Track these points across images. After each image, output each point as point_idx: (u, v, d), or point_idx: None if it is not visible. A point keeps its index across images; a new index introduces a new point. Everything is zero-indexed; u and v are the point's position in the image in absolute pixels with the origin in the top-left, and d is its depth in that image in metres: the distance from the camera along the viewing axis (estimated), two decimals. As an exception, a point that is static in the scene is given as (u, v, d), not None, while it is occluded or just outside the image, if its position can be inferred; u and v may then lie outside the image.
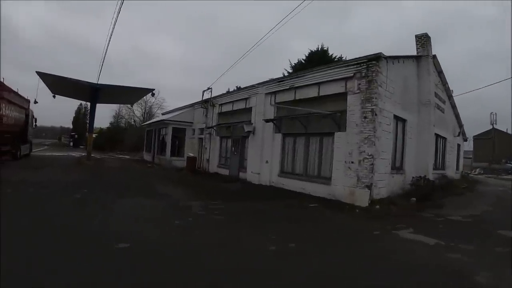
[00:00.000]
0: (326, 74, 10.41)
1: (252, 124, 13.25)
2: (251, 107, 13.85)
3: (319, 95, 10.64)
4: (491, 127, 41.92)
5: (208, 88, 18.31)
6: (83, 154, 20.84)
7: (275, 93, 12.46)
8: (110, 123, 47.31)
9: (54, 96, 21.59)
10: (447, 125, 16.13)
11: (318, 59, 21.60)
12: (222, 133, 16.61)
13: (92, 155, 24.95)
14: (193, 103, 21.27)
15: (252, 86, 13.83)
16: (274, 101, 12.42)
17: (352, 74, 9.59)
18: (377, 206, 8.58)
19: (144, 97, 44.64)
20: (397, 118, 10.46)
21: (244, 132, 13.58)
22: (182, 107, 24.11)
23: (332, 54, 24.39)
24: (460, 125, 19.12)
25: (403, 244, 5.12)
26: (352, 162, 9.22)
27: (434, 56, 12.46)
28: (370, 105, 9.10)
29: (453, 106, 17.17)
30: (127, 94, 21.07)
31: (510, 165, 36.07)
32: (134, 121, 47.14)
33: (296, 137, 11.59)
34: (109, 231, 4.83)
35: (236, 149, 14.97)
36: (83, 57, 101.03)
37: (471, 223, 7.09)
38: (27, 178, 9.90)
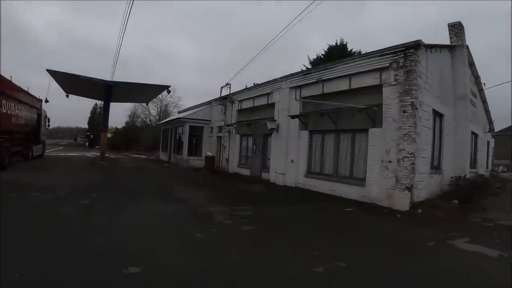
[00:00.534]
0: (358, 65, 9.76)
1: (275, 121, 12.70)
2: (274, 103, 13.32)
3: (350, 88, 10.00)
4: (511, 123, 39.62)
5: (227, 84, 17.90)
6: (98, 154, 20.72)
7: (300, 87, 11.86)
8: (126, 123, 48.04)
9: (67, 96, 21.74)
10: (479, 120, 15.34)
11: (338, 54, 20.87)
12: (243, 131, 16.17)
13: (106, 155, 25.09)
14: (210, 100, 21.00)
15: (275, 80, 13.27)
16: (300, 95, 11.83)
17: (387, 64, 8.92)
18: (419, 210, 7.94)
19: (160, 96, 44.91)
20: (435, 112, 9.78)
21: (266, 129, 13.05)
22: (199, 104, 23.94)
23: (351, 49, 23.89)
24: (490, 121, 18.30)
25: (466, 258, 4.52)
26: (390, 161, 8.57)
27: (467, 47, 11.61)
28: (409, 98, 8.44)
29: (484, 101, 16.30)
30: (142, 92, 20.91)
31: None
32: (150, 120, 47.63)
33: (325, 134, 10.97)
34: (117, 249, 4.10)
35: (258, 148, 14.47)
36: (99, 59, 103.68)
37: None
38: (35, 181, 9.55)
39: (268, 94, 13.84)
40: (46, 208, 6.21)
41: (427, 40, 8.89)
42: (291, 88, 12.26)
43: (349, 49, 23.89)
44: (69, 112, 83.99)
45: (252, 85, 16.38)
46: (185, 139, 20.21)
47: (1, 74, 11.93)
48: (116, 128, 45.68)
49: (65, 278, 3.13)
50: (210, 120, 20.42)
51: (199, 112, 21.19)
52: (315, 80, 11.02)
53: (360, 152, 9.75)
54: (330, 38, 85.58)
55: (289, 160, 11.97)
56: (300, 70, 15.99)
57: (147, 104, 39.84)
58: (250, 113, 15.78)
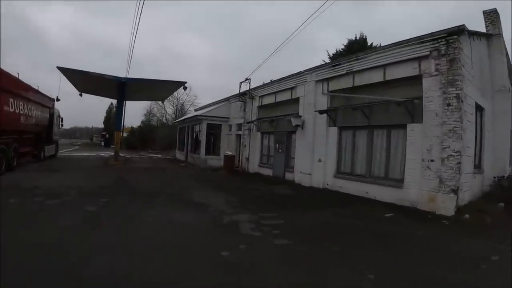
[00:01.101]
0: (393, 54, 9.13)
1: (300, 117, 12.16)
2: (298, 98, 12.81)
3: (384, 80, 9.35)
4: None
5: (246, 79, 17.50)
6: (112, 154, 20.61)
7: (327, 80, 11.30)
8: (142, 122, 48.65)
9: (80, 95, 21.84)
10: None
11: (358, 48, 20.19)
12: (264, 128, 15.73)
13: (121, 154, 25.13)
14: (228, 97, 20.70)
15: (299, 74, 12.74)
16: (327, 89, 11.27)
17: (427, 53, 8.29)
18: (467, 215, 7.24)
19: (176, 94, 45.43)
20: (476, 106, 9.11)
21: (290, 126, 12.55)
22: (216, 101, 23.76)
23: (371, 43, 23.34)
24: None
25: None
26: (432, 161, 7.94)
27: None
28: (454, 89, 7.79)
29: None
30: (157, 89, 20.70)
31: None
32: (166, 119, 48.03)
33: (356, 130, 10.37)
34: (123, 277, 3.33)
35: (281, 146, 13.98)
36: (113, 60, 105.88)
37: None
38: (42, 183, 9.23)
39: (291, 88, 13.32)
40: (45, 217, 5.59)
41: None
42: (317, 81, 11.71)
43: (370, 44, 23.37)
44: (86, 112, 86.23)
45: (269, 81, 15.79)
46: (203, 138, 19.94)
47: (8, 72, 11.72)
48: (132, 127, 46.22)
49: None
50: (228, 118, 20.11)
51: (216, 109, 20.91)
52: (344, 72, 10.42)
53: (396, 150, 9.11)
54: (343, 34, 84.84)
55: (316, 159, 11.43)
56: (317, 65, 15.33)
57: (162, 102, 39.98)
58: (271, 109, 15.31)
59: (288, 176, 13.14)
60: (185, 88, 19.03)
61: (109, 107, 53.64)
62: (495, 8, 10.53)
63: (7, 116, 11.55)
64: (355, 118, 10.15)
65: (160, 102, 43.61)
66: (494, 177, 9.93)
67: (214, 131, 20.33)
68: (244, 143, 17.39)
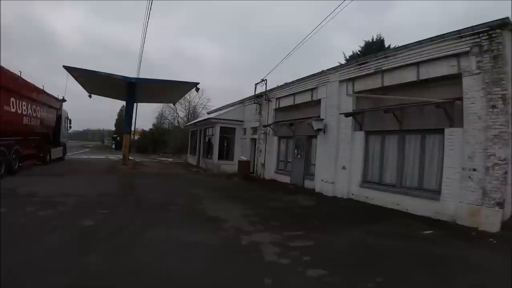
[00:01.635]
0: (428, 50, 8.46)
1: (322, 120, 11.56)
2: (320, 99, 12.25)
3: (418, 79, 8.69)
4: None
5: (262, 80, 17.09)
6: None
7: (353, 79, 10.71)
8: (153, 125, 49.05)
9: (90, 96, 21.79)
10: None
11: (376, 50, 19.71)
12: (281, 132, 15.22)
13: (130, 158, 24.94)
14: (243, 99, 20.34)
15: (321, 73, 12.17)
16: (353, 89, 10.68)
17: (467, 49, 7.65)
18: (516, 233, 6.49)
19: (188, 97, 45.61)
20: None
21: (311, 130, 12.00)
22: (230, 104, 23.46)
23: (389, 45, 23.04)
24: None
25: None
26: (475, 170, 7.26)
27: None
28: (499, 89, 7.15)
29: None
30: (168, 91, 20.48)
31: None
32: (178, 122, 48.31)
33: (385, 135, 9.73)
34: None
35: (300, 152, 13.43)
36: (124, 63, 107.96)
37: None
38: (40, 189, 8.88)
39: (312, 89, 12.78)
40: (30, 234, 4.94)
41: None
42: (341, 81, 11.12)
43: (386, 45, 23.12)
44: (99, 114, 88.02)
45: (285, 83, 15.29)
46: (216, 142, 19.60)
47: (9, 70, 11.46)
48: (143, 130, 46.56)
49: None
50: (243, 121, 19.72)
51: (230, 112, 20.57)
52: (372, 71, 9.82)
53: (432, 158, 8.45)
54: (357, 36, 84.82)
55: (339, 167, 10.82)
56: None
57: (174, 105, 40.05)
58: (290, 112, 14.80)
59: (308, 184, 12.56)
60: (197, 90, 18.60)
61: (120, 109, 54.19)
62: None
63: (8, 116, 11.34)
64: (385, 122, 9.51)
65: (171, 105, 43.91)
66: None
67: (227, 134, 20.01)
68: (260, 148, 16.90)
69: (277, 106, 15.71)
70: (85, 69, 15.49)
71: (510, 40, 7.61)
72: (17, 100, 11.98)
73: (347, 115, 10.30)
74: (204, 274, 3.95)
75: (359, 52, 23.69)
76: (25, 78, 12.82)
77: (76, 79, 17.62)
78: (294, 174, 13.67)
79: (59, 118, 18.37)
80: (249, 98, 18.85)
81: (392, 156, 9.46)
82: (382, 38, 24.12)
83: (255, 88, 17.73)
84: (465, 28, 7.72)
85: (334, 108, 11.21)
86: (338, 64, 17.93)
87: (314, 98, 12.68)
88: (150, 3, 29.02)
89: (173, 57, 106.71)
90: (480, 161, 7.13)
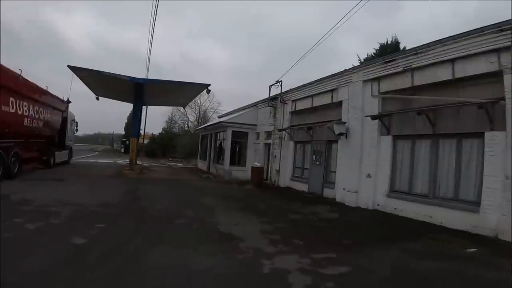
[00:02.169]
0: (464, 45, 7.81)
1: (344, 123, 10.95)
2: (341, 101, 11.66)
3: (453, 77, 8.03)
4: None
5: (277, 82, 16.63)
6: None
7: (378, 79, 10.14)
8: (163, 129, 49.43)
9: (97, 98, 21.72)
10: None
11: (392, 52, 19.21)
12: (298, 136, 14.70)
13: (139, 162, 24.73)
14: (256, 102, 19.96)
15: (342, 73, 11.59)
16: (378, 90, 10.07)
17: (509, 43, 7.02)
18: None
19: (198, 101, 45.69)
20: None
21: (332, 134, 11.43)
22: (242, 107, 23.11)
23: (405, 47, 22.32)
24: None
25: None
26: (521, 179, 6.51)
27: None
28: (547, 88, 6.40)
29: None
30: (177, 93, 20.20)
31: None
32: (188, 126, 48.45)
33: (416, 140, 9.10)
34: None
35: (319, 158, 12.87)
36: (136, 67, 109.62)
37: None
38: (36, 196, 8.38)
39: (332, 90, 12.22)
40: (9, 253, 4.25)
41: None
42: (365, 81, 10.55)
43: (401, 48, 22.40)
44: (109, 118, 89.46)
45: (300, 85, 14.77)
46: (227, 147, 19.17)
47: (9, 68, 11.16)
48: (153, 135, 46.78)
49: None
50: (256, 125, 19.27)
51: (243, 116, 20.16)
52: (401, 69, 9.20)
53: (470, 165, 7.79)
54: (363, 40, 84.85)
55: (363, 174, 10.20)
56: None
57: (184, 108, 39.93)
58: (307, 115, 14.28)
59: (327, 192, 11.97)
60: (208, 92, 18.19)
61: (130, 113, 54.48)
62: None
63: (7, 117, 11.07)
64: (415, 125, 8.90)
65: (181, 109, 44.00)
66: None
67: (239, 139, 19.63)
68: (274, 153, 16.37)
69: (293, 109, 15.21)
70: (90, 69, 15.33)
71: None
72: (18, 100, 11.71)
73: (374, 117, 9.66)
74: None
75: (374, 55, 23.41)
76: (27, 78, 12.56)
77: (82, 80, 17.50)
78: (312, 182, 13.08)
79: (64, 120, 18.24)
80: (263, 101, 18.42)
81: (424, 163, 8.80)
82: (397, 40, 23.91)
83: (269, 90, 17.31)
84: (505, 21, 7.08)
85: (358, 110, 10.61)
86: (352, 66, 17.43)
87: (334, 100, 12.12)
88: (156, 3, 28.94)
89: (182, 61, 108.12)
90: (527, 169, 6.48)
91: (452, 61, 8.06)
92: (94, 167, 20.17)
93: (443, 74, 8.27)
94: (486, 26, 7.48)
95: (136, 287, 3.75)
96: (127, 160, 20.15)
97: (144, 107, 38.74)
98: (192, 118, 49.34)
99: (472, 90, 7.77)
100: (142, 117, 39.88)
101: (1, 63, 10.69)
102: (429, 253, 5.56)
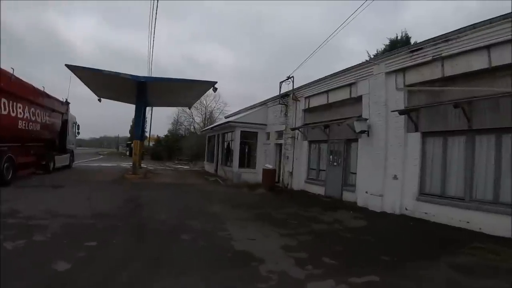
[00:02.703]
0: (503, 30, 7.14)
1: (366, 120, 10.30)
2: (361, 96, 11.02)
3: (490, 66, 7.36)
4: None
5: (288, 78, 15.96)
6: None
7: (403, 70, 9.47)
8: (168, 131, 49.51)
9: (99, 100, 21.47)
10: None
11: None
12: (312, 136, 14.11)
13: (143, 166, 24.34)
14: (265, 100, 19.44)
15: (362, 65, 10.94)
16: (403, 82, 9.39)
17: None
18: None
19: (204, 102, 45.48)
20: None
21: (351, 132, 10.84)
22: (251, 106, 22.59)
23: (415, 42, 22.02)
24: None
25: None
26: None
27: None
28: None
29: None
30: (182, 92, 19.81)
31: None
32: (194, 127, 48.46)
33: (448, 137, 8.44)
34: None
35: (337, 158, 12.24)
36: (139, 71, 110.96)
37: None
38: (25, 206, 7.66)
39: (350, 85, 11.57)
40: None
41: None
42: (388, 73, 9.89)
43: (412, 43, 22.12)
44: (116, 121, 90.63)
45: (314, 80, 14.16)
46: (236, 148, 18.62)
47: (1, 68, 10.69)
48: (158, 137, 46.71)
49: None
50: (265, 124, 18.70)
51: (251, 115, 19.59)
52: (430, 58, 8.52)
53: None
54: (370, 38, 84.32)
55: (389, 176, 9.54)
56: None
57: (190, 109, 39.66)
58: (322, 112, 13.68)
59: (347, 196, 11.35)
60: (215, 90, 17.63)
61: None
62: None
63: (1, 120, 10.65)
64: (447, 120, 8.24)
65: (187, 110, 43.81)
66: None
67: (249, 140, 19.06)
68: (287, 154, 15.75)
69: (307, 106, 14.60)
70: (89, 68, 14.92)
71: None
72: (10, 102, 11.24)
73: (401, 112, 8.97)
74: None
75: (384, 51, 22.99)
76: (21, 78, 12.15)
77: (82, 80, 17.13)
78: (330, 184, 12.45)
79: (65, 123, 17.85)
80: (273, 99, 17.85)
81: (458, 162, 8.12)
82: (407, 35, 23.83)
83: (280, 86, 16.64)
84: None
85: (381, 105, 9.96)
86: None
87: (353, 95, 11.46)
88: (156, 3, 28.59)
89: (186, 63, 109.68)
90: None
91: (488, 48, 7.39)
92: (96, 172, 19.72)
93: (478, 62, 7.58)
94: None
95: None
96: (132, 163, 19.68)
97: (149, 109, 39.07)
98: (198, 119, 49.54)
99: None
100: (147, 119, 40.13)
101: (5, 67, 10.47)
102: (482, 268, 4.89)
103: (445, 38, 8.28)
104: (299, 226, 7.65)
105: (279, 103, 16.50)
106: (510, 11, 7.02)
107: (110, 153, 53.39)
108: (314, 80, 14.02)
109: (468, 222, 7.46)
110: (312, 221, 8.26)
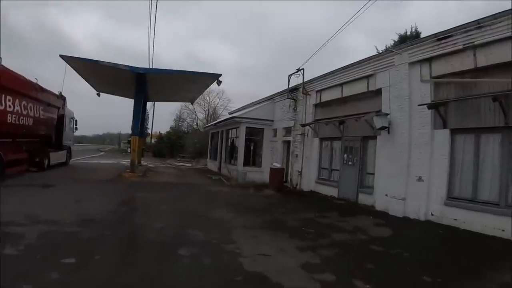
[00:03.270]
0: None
1: (387, 115, 9.64)
2: (380, 89, 10.37)
3: (531, 55, 6.70)
4: None
5: (298, 70, 15.32)
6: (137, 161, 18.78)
7: (429, 60, 8.81)
8: (171, 127, 49.26)
9: (98, 95, 21.17)
10: None
11: None
12: (324, 132, 13.47)
13: (144, 163, 23.84)
14: (272, 95, 18.89)
15: (381, 55, 10.29)
16: (430, 73, 8.73)
17: None
18: None
19: (207, 98, 45.08)
20: None
21: (368, 129, 10.23)
22: (256, 101, 22.12)
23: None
24: None
25: None
26: None
27: None
28: None
29: None
30: (185, 86, 19.21)
31: None
32: (197, 124, 48.26)
33: (481, 134, 7.78)
34: None
35: (352, 157, 11.63)
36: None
37: None
38: (5, 210, 6.73)
39: (367, 77, 10.91)
40: None
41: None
42: (411, 63, 9.24)
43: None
44: (119, 117, 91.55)
45: (326, 73, 13.52)
46: (241, 145, 18.12)
47: None
48: (160, 133, 46.45)
49: None
50: (272, 120, 18.18)
51: (257, 110, 19.06)
52: (460, 47, 7.85)
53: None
54: (373, 35, 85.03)
55: (412, 177, 8.90)
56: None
57: (192, 104, 39.27)
58: (335, 107, 13.06)
59: (364, 199, 10.73)
60: (219, 83, 16.94)
61: (137, 111, 54.65)
62: None
63: None
64: (480, 116, 7.58)
65: (189, 105, 43.41)
66: None
67: (254, 136, 18.55)
68: (296, 152, 15.17)
69: (318, 101, 13.97)
70: (84, 58, 14.40)
71: None
72: None
73: (430, 106, 8.29)
74: None
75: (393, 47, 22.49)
76: (11, 69, 11.57)
77: (78, 72, 16.59)
78: (344, 185, 11.83)
79: (61, 118, 17.34)
80: (280, 93, 17.27)
81: (492, 163, 7.47)
82: (417, 31, 23.18)
83: (289, 80, 16.00)
84: None
85: (403, 99, 9.32)
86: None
87: (371, 88, 10.79)
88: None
89: (190, 61, 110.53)
90: None
91: (528, 35, 6.76)
92: (94, 169, 19.17)
93: (517, 51, 6.95)
94: None
95: None
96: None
97: (152, 106, 38.65)
98: (201, 115, 49.38)
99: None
100: (149, 115, 39.72)
101: (7, 65, 10.07)
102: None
103: (478, 24, 7.59)
104: (317, 236, 6.85)
105: (288, 98, 15.91)
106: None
107: (111, 150, 53.21)
108: (326, 72, 13.39)
109: (503, 231, 6.81)
110: (331, 229, 7.50)
